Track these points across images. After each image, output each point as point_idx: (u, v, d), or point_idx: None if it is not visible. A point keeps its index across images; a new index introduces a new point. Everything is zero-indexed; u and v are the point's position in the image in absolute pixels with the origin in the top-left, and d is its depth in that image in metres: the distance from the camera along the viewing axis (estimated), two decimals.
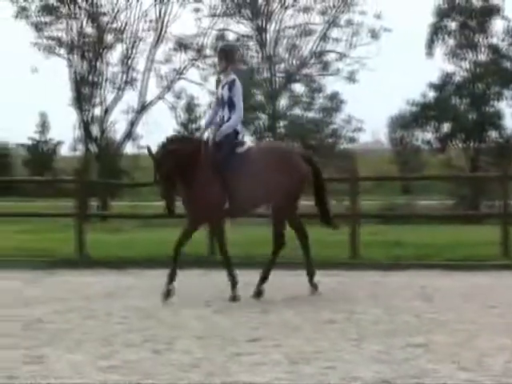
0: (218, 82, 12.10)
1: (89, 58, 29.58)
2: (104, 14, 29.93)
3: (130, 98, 30.56)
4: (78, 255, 15.69)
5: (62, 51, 29.91)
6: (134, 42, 30.02)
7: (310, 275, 11.42)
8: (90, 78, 29.63)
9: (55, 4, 29.63)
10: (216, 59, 12.18)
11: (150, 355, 7.91)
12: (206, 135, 11.65)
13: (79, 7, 29.58)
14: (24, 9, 29.53)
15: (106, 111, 29.94)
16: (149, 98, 30.65)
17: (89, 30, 29.84)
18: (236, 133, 11.14)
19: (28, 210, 24.09)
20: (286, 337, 8.69)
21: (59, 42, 29.86)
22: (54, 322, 9.88)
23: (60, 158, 56.12)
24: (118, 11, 29.81)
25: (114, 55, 30.31)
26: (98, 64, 29.59)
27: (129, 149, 31.98)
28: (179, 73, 30.96)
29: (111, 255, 15.85)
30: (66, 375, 7.22)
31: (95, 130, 30.01)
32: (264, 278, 11.28)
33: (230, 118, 10.98)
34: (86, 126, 29.73)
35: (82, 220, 16.31)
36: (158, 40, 30.07)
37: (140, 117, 30.32)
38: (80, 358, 7.91)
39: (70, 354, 8.09)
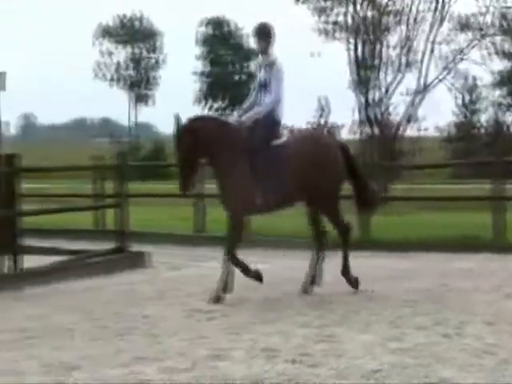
0: (259, 66, 10.49)
1: (368, 41, 29.70)
2: None
3: (410, 80, 30.27)
4: (361, 237, 15.74)
5: (342, 35, 30.24)
6: (414, 23, 29.68)
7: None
8: (369, 61, 29.72)
9: None
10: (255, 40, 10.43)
11: (440, 339, 7.91)
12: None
13: None
14: None
15: (386, 93, 29.93)
16: (429, 79, 30.17)
17: (368, 13, 29.87)
18: (275, 122, 10.30)
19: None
20: None
21: (339, 26, 30.26)
22: (342, 302, 10.05)
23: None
24: None
25: (394, 37, 30.12)
26: (377, 47, 29.65)
27: (409, 131, 31.71)
28: (460, 53, 30.30)
29: (392, 237, 15.79)
30: (358, 355, 7.35)
31: (375, 113, 30.07)
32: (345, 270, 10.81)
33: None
34: (365, 108, 29.93)
35: None
36: (439, 20, 29.52)
37: (420, 99, 29.99)
38: (369, 338, 8.06)
39: (360, 334, 8.25)
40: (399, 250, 14.82)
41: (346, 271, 10.66)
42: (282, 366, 7.06)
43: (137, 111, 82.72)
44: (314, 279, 10.53)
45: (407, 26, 29.73)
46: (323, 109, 59.85)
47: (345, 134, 50.02)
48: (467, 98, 52.49)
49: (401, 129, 30.61)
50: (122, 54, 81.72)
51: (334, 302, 10.02)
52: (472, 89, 53.09)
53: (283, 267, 13.14)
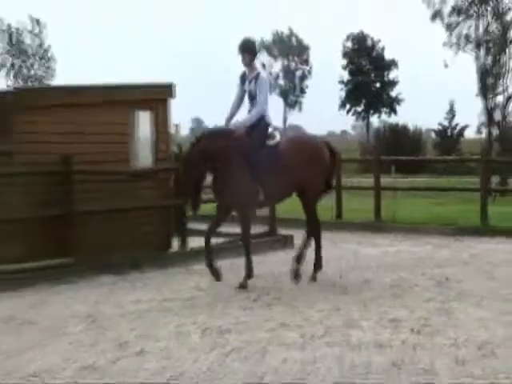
0: (243, 77, 9.91)
1: (493, 52, 28.98)
2: (509, 9, 29.13)
3: None
4: (481, 224, 15.39)
5: (470, 47, 29.64)
6: None
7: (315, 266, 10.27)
8: (494, 69, 29.01)
9: (466, 5, 29.52)
10: (241, 55, 9.81)
11: None
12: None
13: (486, 7, 29.07)
14: (438, 12, 29.87)
15: (509, 99, 29.20)
16: None
17: (494, 26, 29.15)
18: (266, 126, 9.84)
19: (438, 185, 24.15)
20: None
21: (467, 39, 29.68)
22: (460, 281, 9.89)
23: (465, 141, 55.97)
24: None
25: None
26: (501, 57, 28.92)
27: None
28: None
29: (509, 225, 15.32)
30: (472, 327, 7.24)
31: (497, 116, 29.42)
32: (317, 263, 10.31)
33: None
34: (489, 112, 29.33)
35: (485, 194, 16.06)
36: None
37: None
38: (483, 313, 7.89)
39: (475, 309, 8.09)
40: None
41: (298, 258, 10.09)
42: (406, 335, 7.06)
43: (288, 115, 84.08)
44: (299, 260, 10.06)
45: None
46: (451, 112, 59.03)
47: (469, 134, 49.13)
48: None
49: None
50: (276, 65, 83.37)
51: (452, 281, 9.88)
52: None
53: (410, 251, 13.04)
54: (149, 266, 11.11)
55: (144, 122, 12.04)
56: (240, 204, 9.74)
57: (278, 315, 7.99)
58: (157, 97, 12.27)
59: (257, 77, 9.69)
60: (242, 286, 9.48)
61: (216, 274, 9.66)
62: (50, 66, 75.46)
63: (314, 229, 10.33)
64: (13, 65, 74.08)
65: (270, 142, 9.74)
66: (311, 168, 9.81)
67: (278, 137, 9.90)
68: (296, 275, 9.87)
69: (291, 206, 17.44)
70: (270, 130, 9.90)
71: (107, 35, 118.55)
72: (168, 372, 5.99)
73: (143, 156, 12.05)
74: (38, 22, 73.90)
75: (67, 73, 72.92)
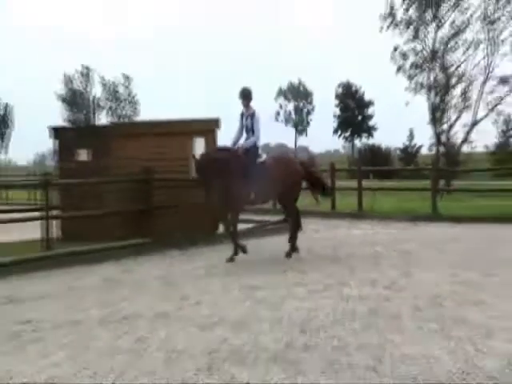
0: (242, 115, 9.52)
1: (440, 94, 28.92)
2: (451, 65, 29.18)
3: (466, 117, 29.16)
4: (432, 213, 15.20)
5: (424, 91, 29.68)
6: (470, 82, 28.62)
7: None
8: (441, 106, 28.96)
9: (420, 62, 29.76)
10: (241, 99, 9.49)
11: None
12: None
13: (435, 64, 29.14)
14: (402, 66, 30.01)
15: (450, 126, 29.08)
16: (479, 116, 28.86)
17: (440, 76, 29.13)
18: (257, 149, 9.45)
19: (402, 187, 23.80)
20: None
21: (422, 85, 29.75)
22: (417, 253, 9.76)
23: (421, 156, 55.89)
24: (459, 65, 28.82)
25: (456, 91, 29.18)
26: (445, 97, 28.84)
27: (465, 148, 30.62)
28: (500, 99, 28.72)
29: (455, 214, 15.10)
30: (426, 285, 7.19)
31: (443, 138, 29.26)
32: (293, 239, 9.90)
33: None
34: (438, 135, 29.32)
35: (435, 192, 15.89)
36: (486, 79, 28.28)
37: (472, 129, 28.73)
38: (435, 276, 7.77)
39: (429, 273, 7.98)
40: (461, 221, 14.16)
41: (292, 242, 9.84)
42: (380, 290, 6.94)
43: (297, 139, 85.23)
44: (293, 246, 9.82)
45: (465, 83, 28.83)
46: (411, 136, 58.85)
47: (424, 151, 48.87)
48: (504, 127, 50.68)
49: (460, 148, 29.66)
50: (290, 105, 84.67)
51: (412, 253, 9.73)
52: (507, 122, 50.96)
53: (383, 232, 12.90)
54: (202, 244, 11.11)
55: (199, 145, 12.07)
56: (236, 201, 9.27)
57: (291, 277, 7.95)
58: (208, 128, 12.28)
59: (253, 114, 9.35)
60: (231, 259, 9.32)
61: (242, 249, 9.50)
62: (136, 107, 76.18)
63: (293, 221, 10.01)
64: (110, 107, 74.83)
65: (259, 160, 9.46)
66: (288, 178, 9.55)
67: (264, 156, 9.66)
68: (288, 254, 9.68)
69: (302, 201, 17.45)
70: (260, 152, 9.58)
71: (176, 83, 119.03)
72: (216, 316, 5.97)
73: None
74: (127, 77, 74.68)
75: (148, 111, 73.27)
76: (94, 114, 65.92)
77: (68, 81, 74.02)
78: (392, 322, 5.63)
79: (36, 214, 10.11)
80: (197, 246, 10.97)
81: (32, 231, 10.41)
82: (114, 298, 6.89)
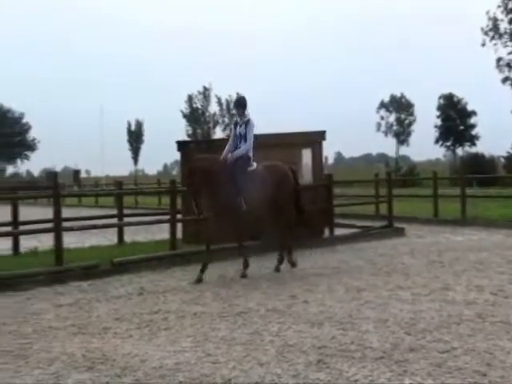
0: (236, 123, 8.73)
1: None
2: None
3: None
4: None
5: None
6: None
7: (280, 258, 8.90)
8: None
9: None
10: (235, 109, 8.84)
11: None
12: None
13: None
14: (508, 77, 28.06)
15: None
16: None
17: None
18: (248, 158, 8.51)
19: (506, 194, 22.23)
20: None
21: None
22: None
23: None
24: None
25: None
26: None
27: None
28: None
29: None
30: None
31: None
32: (288, 249, 8.99)
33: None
34: None
35: None
36: None
37: None
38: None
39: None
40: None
41: (245, 263, 8.56)
42: (487, 296, 6.56)
43: (399, 149, 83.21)
44: (281, 258, 8.92)
45: None
46: None
47: None
48: None
49: None
50: (391, 117, 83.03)
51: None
52: None
53: (487, 238, 12.14)
54: (309, 246, 11.06)
55: (306, 155, 12.14)
56: (228, 210, 8.36)
57: (395, 280, 7.69)
58: (314, 139, 12.32)
59: (247, 122, 8.51)
60: (243, 276, 8.29)
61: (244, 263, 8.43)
62: None
63: (288, 231, 9.09)
64: (224, 122, 77.21)
65: (250, 168, 8.53)
66: (280, 186, 8.67)
67: (254, 165, 8.60)
68: (292, 264, 8.90)
69: (403, 208, 16.92)
70: (251, 161, 8.58)
71: (284, 98, 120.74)
72: (324, 314, 5.92)
73: (306, 177, 12.11)
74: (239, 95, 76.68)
75: (259, 126, 74.72)
76: (211, 128, 68.31)
77: (190, 100, 77.57)
78: (500, 327, 5.27)
79: (164, 217, 10.62)
80: (304, 248, 10.94)
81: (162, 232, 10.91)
82: (229, 294, 7.05)
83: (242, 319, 5.81)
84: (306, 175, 12.10)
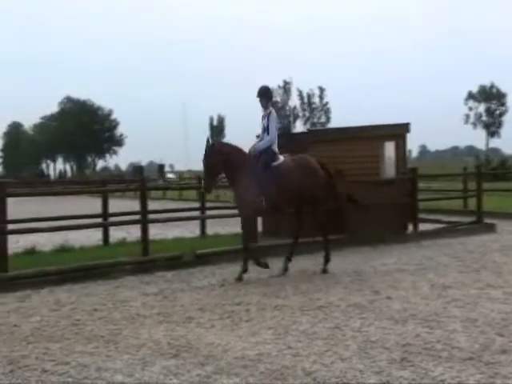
0: (263, 116, 8.19)
1: None
2: None
3: None
4: None
5: None
6: None
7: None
8: None
9: None
10: (263, 99, 8.12)
11: None
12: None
13: None
14: None
15: None
16: None
17: None
18: (274, 152, 8.00)
19: None
20: None
21: None
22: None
23: None
24: None
25: None
26: None
27: None
28: None
29: None
30: None
31: None
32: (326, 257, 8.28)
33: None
34: None
35: None
36: None
37: None
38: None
39: None
40: None
41: (326, 258, 8.28)
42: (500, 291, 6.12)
43: (488, 141, 78.86)
44: (289, 258, 8.30)
45: None
46: None
47: None
48: None
49: None
50: (480, 107, 79.24)
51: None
52: None
53: None
54: (392, 241, 10.80)
55: (389, 149, 11.82)
56: (243, 208, 7.99)
57: (485, 278, 7.33)
58: (398, 132, 11.97)
59: (269, 114, 8.08)
60: (324, 271, 8.03)
61: (265, 265, 7.99)
62: (328, 115, 77.45)
63: (321, 232, 8.43)
64: (304, 115, 77.11)
65: (275, 163, 8.02)
66: (309, 182, 8.10)
67: (281, 158, 8.13)
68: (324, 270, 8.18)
69: (494, 203, 16.06)
70: (276, 155, 8.11)
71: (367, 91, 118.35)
72: (408, 311, 5.75)
73: (389, 171, 11.81)
74: (321, 89, 76.33)
75: (339, 118, 74.03)
76: (291, 122, 68.55)
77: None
78: None
79: None
80: (387, 243, 10.70)
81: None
82: (309, 288, 7.03)
83: (322, 313, 5.77)
84: (389, 169, 11.80)
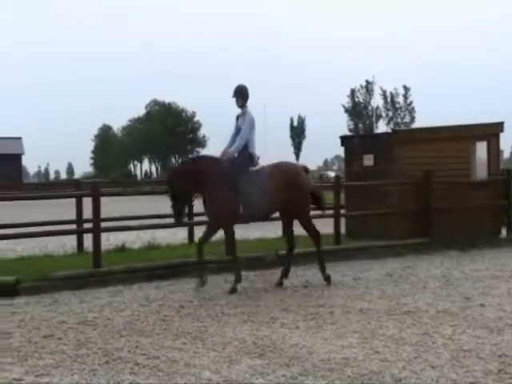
0: (237, 117, 7.45)
1: None
2: None
3: None
4: None
5: None
6: None
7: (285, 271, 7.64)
8: None
9: None
10: (239, 98, 7.37)
11: None
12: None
13: None
14: None
15: None
16: None
17: None
18: (251, 156, 7.33)
19: None
20: None
21: None
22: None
23: None
24: None
25: None
26: None
27: None
28: None
29: None
30: None
31: None
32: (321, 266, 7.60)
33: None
34: None
35: None
36: None
37: None
38: None
39: None
40: None
41: (322, 268, 7.58)
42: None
43: None
44: (286, 273, 7.62)
45: None
46: None
47: None
48: None
49: None
50: None
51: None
52: None
53: None
54: (484, 246, 10.34)
55: (481, 149, 11.31)
56: (220, 219, 7.26)
57: None
58: (491, 132, 11.44)
59: (244, 113, 7.44)
60: (233, 290, 7.13)
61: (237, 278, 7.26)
62: (413, 116, 75.26)
63: (313, 239, 7.73)
64: (387, 115, 75.28)
65: (254, 168, 7.34)
66: (292, 189, 7.36)
67: (260, 164, 7.44)
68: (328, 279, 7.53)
69: None
70: (254, 159, 7.40)
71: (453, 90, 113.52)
72: (504, 320, 5.44)
73: (480, 172, 11.28)
74: (406, 88, 74.21)
75: (424, 118, 71.67)
76: (374, 122, 67.16)
77: (353, 94, 77.10)
78: None
79: (328, 212, 10.66)
80: (478, 247, 10.21)
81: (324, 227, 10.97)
82: (396, 292, 6.84)
83: (410, 319, 5.59)
84: (481, 170, 11.27)
